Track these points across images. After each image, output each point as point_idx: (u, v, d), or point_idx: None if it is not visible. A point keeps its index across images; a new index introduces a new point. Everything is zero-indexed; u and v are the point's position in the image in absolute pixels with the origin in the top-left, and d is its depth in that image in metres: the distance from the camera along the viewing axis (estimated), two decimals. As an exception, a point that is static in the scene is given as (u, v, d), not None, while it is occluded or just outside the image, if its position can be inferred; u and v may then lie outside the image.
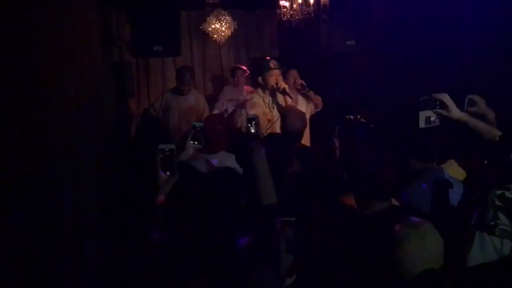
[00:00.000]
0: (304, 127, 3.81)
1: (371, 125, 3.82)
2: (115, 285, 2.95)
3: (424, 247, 1.74)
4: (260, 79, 4.40)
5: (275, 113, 4.19)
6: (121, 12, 5.87)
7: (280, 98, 4.32)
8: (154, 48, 5.01)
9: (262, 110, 4.27)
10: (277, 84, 4.26)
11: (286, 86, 4.25)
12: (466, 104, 2.60)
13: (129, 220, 3.02)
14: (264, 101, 4.34)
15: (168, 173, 2.15)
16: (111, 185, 3.58)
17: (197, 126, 2.79)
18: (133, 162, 3.89)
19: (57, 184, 1.45)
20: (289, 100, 4.22)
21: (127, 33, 5.49)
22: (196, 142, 2.81)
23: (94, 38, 2.98)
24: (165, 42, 5.01)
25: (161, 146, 2.18)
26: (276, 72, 4.31)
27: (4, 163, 0.91)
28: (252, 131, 3.47)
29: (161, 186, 2.13)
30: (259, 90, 4.42)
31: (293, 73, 4.60)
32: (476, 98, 2.56)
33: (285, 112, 3.86)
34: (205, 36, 6.17)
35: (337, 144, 3.92)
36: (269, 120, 4.15)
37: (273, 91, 4.32)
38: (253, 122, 3.46)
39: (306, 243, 2.42)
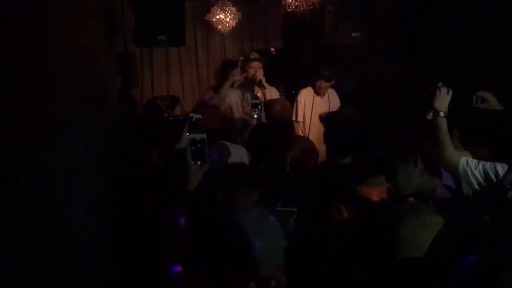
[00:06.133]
0: (289, 115, 4.02)
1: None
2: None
3: (427, 232, 1.73)
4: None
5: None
6: (125, 0, 5.84)
7: (257, 90, 4.51)
8: (158, 37, 4.98)
9: (241, 103, 4.40)
10: (253, 75, 4.46)
11: (263, 78, 4.44)
12: (475, 101, 2.51)
13: (136, 215, 3.00)
14: (242, 94, 4.52)
15: (198, 162, 2.12)
16: (115, 178, 3.57)
17: (194, 117, 2.75)
18: (137, 153, 3.87)
19: (58, 177, 1.44)
20: (264, 91, 4.40)
21: (131, 22, 5.46)
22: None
23: (98, 26, 2.96)
24: (169, 32, 4.99)
25: (191, 136, 2.15)
26: (256, 64, 4.45)
27: (2, 157, 0.89)
28: (255, 116, 3.52)
29: (192, 176, 2.10)
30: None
31: (255, 65, 4.60)
32: (486, 94, 2.49)
33: (270, 102, 4.10)
34: (210, 27, 6.14)
35: None
36: (246, 113, 4.31)
37: (252, 83, 4.49)
38: (259, 107, 3.50)
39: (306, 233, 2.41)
